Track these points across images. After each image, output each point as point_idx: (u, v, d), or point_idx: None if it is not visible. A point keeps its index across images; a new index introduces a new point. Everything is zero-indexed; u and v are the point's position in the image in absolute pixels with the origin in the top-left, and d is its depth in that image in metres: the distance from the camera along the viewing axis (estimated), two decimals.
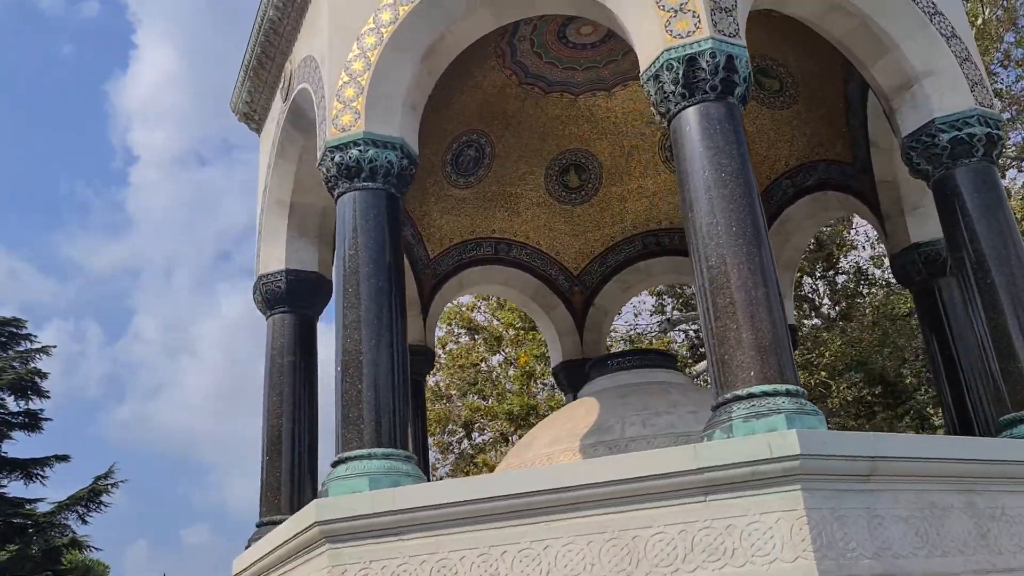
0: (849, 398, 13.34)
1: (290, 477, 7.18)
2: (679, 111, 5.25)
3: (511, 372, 15.44)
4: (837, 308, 14.48)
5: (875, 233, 16.86)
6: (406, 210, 9.78)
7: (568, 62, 9.58)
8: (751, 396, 4.46)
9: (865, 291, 14.85)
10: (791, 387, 4.50)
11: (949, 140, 6.12)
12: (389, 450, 5.17)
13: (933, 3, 6.46)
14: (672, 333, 18.10)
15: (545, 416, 15.67)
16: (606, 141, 10.48)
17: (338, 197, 5.92)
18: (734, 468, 4.23)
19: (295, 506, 7.06)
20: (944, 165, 6.16)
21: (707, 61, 5.15)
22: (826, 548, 4.09)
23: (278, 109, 7.77)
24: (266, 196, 7.90)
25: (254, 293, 7.87)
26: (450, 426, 16.26)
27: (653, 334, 17.90)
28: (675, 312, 17.98)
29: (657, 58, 5.30)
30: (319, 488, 5.19)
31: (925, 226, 8.24)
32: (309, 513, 4.92)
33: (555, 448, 6.49)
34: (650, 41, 5.39)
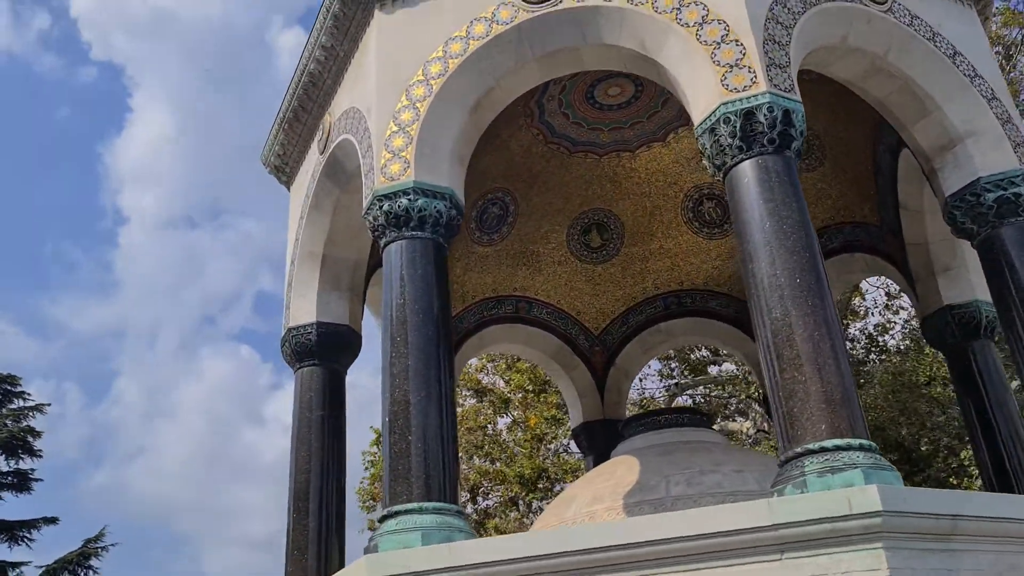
0: None
1: (317, 536, 6.95)
2: (735, 164, 5.25)
3: (519, 435, 15.21)
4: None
5: (883, 300, 16.97)
6: None
7: (594, 123, 9.67)
8: (824, 450, 4.35)
9: (873, 358, 14.82)
10: (864, 442, 4.39)
11: (995, 199, 6.14)
12: (440, 504, 5.00)
13: (973, 66, 6.56)
14: (680, 398, 17.95)
15: (555, 480, 15.41)
16: (628, 201, 10.51)
17: (385, 246, 5.86)
18: (811, 525, 4.09)
19: (323, 567, 6.84)
20: (990, 224, 6.18)
21: (764, 115, 5.17)
22: None
23: (313, 162, 7.76)
24: (297, 248, 7.83)
25: (283, 346, 7.74)
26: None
27: (661, 398, 17.74)
28: (683, 377, 17.87)
29: (713, 111, 5.32)
30: (367, 544, 4.99)
31: (957, 287, 8.24)
32: (359, 570, 4.72)
33: (597, 507, 6.31)
34: (705, 95, 5.42)
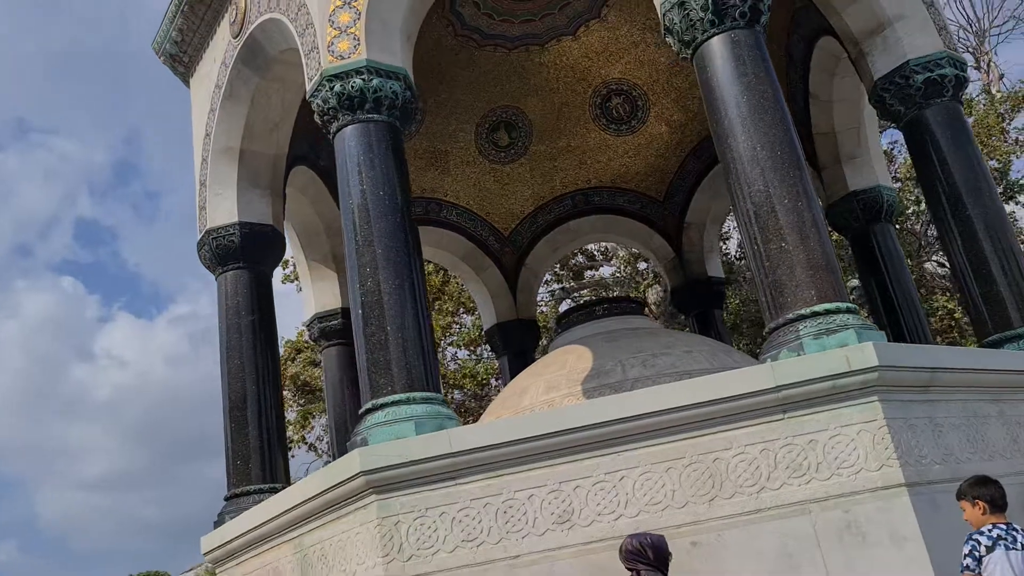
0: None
1: (259, 445, 6.64)
2: (706, 39, 5.20)
3: None
4: (742, 261, 15.05)
5: None
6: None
7: (505, 14, 9.34)
8: (815, 315, 4.48)
9: None
10: (850, 305, 4.56)
11: (923, 81, 6.40)
12: (428, 394, 4.85)
13: None
14: (565, 303, 18.26)
15: (454, 385, 15.43)
16: (536, 98, 10.33)
17: (338, 131, 5.47)
18: (812, 384, 4.24)
19: (268, 474, 6.57)
20: (917, 105, 6.45)
21: None
22: (906, 456, 4.17)
23: (222, 48, 7.11)
24: (210, 144, 7.23)
25: (200, 249, 7.20)
26: None
27: (545, 303, 17.99)
28: (568, 282, 18.16)
29: None
30: (356, 439, 4.78)
31: (861, 174, 8.67)
32: (350, 463, 4.53)
33: (555, 395, 6.33)
34: None
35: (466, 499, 4.42)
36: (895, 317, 8.21)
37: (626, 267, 17.81)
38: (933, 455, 4.32)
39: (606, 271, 19.43)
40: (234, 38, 6.84)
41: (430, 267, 15.58)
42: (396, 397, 4.77)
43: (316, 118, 5.60)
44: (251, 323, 6.92)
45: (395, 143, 5.48)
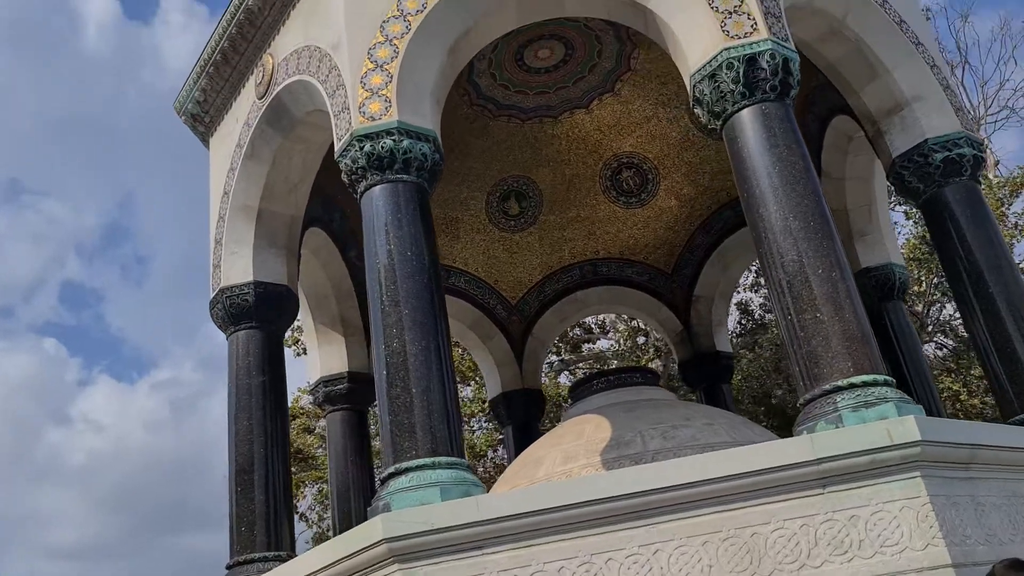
0: None
1: (265, 510, 6.43)
2: (737, 111, 5.25)
3: None
4: (741, 339, 15.04)
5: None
6: (352, 229, 9.28)
7: (521, 85, 9.48)
8: (853, 386, 4.41)
9: (770, 318, 15.51)
10: (888, 377, 4.50)
11: (942, 160, 6.47)
12: (453, 459, 4.71)
13: (915, 34, 6.89)
14: (563, 375, 18.14)
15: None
16: (548, 169, 10.43)
17: (366, 191, 5.46)
18: (853, 457, 4.14)
19: (273, 542, 6.35)
20: (936, 183, 6.51)
21: (767, 61, 5.19)
22: (951, 535, 4.05)
23: (245, 108, 7.15)
24: (228, 202, 7.20)
25: (213, 307, 7.11)
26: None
27: (545, 374, 17.85)
28: (566, 354, 18.07)
29: (715, 57, 5.28)
30: (379, 504, 4.61)
31: (873, 252, 8.70)
32: (372, 529, 4.36)
33: (573, 465, 6.18)
34: (704, 41, 5.38)
35: (493, 570, 4.25)
36: (908, 393, 8.13)
37: (626, 340, 17.75)
38: (976, 535, 4.20)
39: (603, 344, 19.39)
40: (259, 99, 6.88)
41: None
42: (421, 461, 4.63)
43: (344, 177, 5.59)
44: (261, 384, 6.78)
45: (423, 204, 5.46)
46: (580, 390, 7.48)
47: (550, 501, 4.28)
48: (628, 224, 10.72)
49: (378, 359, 5.06)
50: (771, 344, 14.22)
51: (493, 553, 4.28)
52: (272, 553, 6.23)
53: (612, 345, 19.00)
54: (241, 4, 6.83)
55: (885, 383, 4.45)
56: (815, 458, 4.16)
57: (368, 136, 5.41)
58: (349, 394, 8.94)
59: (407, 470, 4.62)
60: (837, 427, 4.29)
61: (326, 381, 8.99)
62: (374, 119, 5.45)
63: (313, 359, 9.20)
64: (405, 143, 5.40)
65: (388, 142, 5.38)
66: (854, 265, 8.76)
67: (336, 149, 5.64)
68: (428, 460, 4.64)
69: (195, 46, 61.79)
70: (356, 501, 8.56)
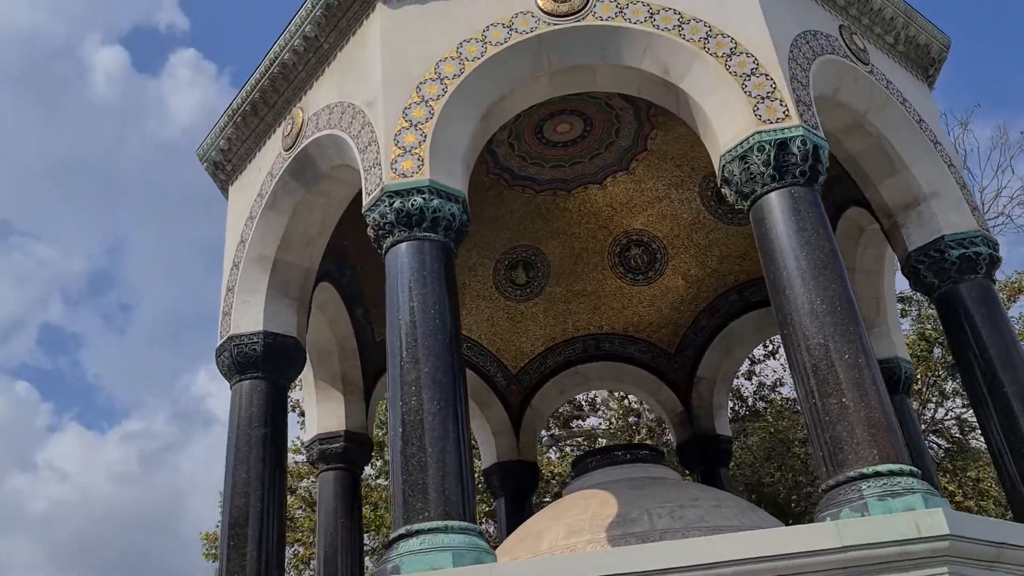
0: None
1: (257, 566, 6.23)
2: (765, 193, 5.31)
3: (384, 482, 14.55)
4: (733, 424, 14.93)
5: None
6: (362, 288, 9.26)
7: (537, 157, 9.60)
8: (879, 475, 4.35)
9: (761, 407, 15.47)
10: (913, 468, 4.44)
11: (958, 256, 6.54)
12: (465, 523, 4.58)
13: (934, 133, 7.05)
14: (552, 450, 17.93)
15: None
16: (557, 241, 10.49)
17: (391, 246, 5.45)
18: (880, 548, 4.05)
19: None
20: (952, 279, 6.56)
21: (798, 147, 5.28)
22: None
23: (270, 159, 7.20)
24: (244, 250, 7.18)
25: (219, 355, 7.01)
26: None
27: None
28: (557, 430, 17.90)
29: (746, 139, 5.37)
30: (387, 566, 4.46)
31: (880, 345, 8.72)
32: None
33: (576, 540, 6.03)
34: (736, 124, 5.47)
35: None
36: None
37: (618, 419, 17.61)
38: None
39: (592, 421, 19.22)
40: (285, 151, 6.92)
41: None
42: (433, 524, 4.50)
43: (369, 231, 5.59)
44: (262, 436, 6.65)
45: (448, 264, 5.46)
46: (584, 464, 7.36)
47: (562, 572, 4.15)
48: (633, 301, 10.74)
49: (394, 416, 4.97)
50: (764, 431, 14.13)
51: None
52: None
53: (601, 423, 18.84)
54: (277, 58, 6.93)
55: (911, 473, 4.39)
56: (841, 545, 4.07)
57: (399, 193, 5.43)
58: (344, 453, 8.78)
59: (418, 532, 4.50)
60: (863, 515, 4.21)
61: (322, 438, 8.83)
62: (405, 176, 5.48)
63: (311, 415, 9.06)
64: (435, 202, 5.42)
65: (418, 200, 5.40)
66: (882, 354, 8.79)
67: (364, 203, 5.66)
68: (440, 524, 4.51)
69: (201, 101, 62.64)
70: (344, 565, 8.33)
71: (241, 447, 6.61)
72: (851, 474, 4.42)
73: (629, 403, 18.01)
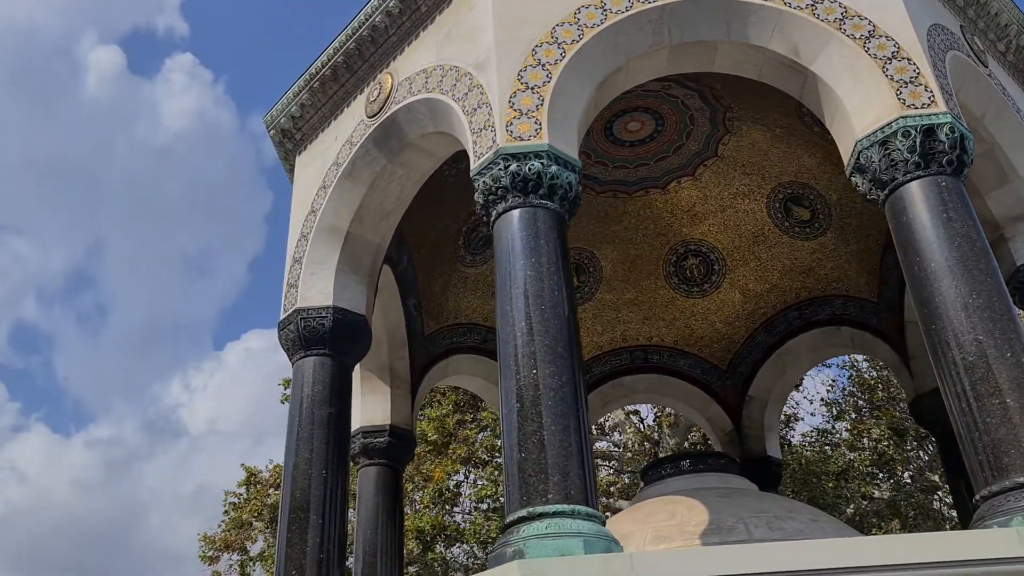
0: None
1: (318, 554, 5.77)
2: (907, 181, 4.98)
3: (419, 490, 14.03)
4: None
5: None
6: (416, 276, 8.87)
7: (603, 156, 9.29)
8: None
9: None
10: None
11: None
12: (591, 510, 4.17)
13: None
14: None
15: (455, 539, 14.29)
16: (612, 246, 10.14)
17: (503, 212, 5.07)
18: None
19: None
20: None
21: (946, 134, 4.97)
22: None
23: (349, 127, 6.83)
24: (313, 220, 6.79)
25: (283, 328, 6.59)
26: None
27: None
28: None
29: (889, 124, 5.05)
30: (507, 550, 4.03)
31: None
32: (508, 575, 3.78)
33: (667, 545, 5.61)
34: (877, 108, 5.16)
35: None
36: None
37: (634, 444, 17.18)
38: None
39: (600, 444, 18.73)
40: (369, 117, 6.56)
41: (444, 407, 14.85)
42: (559, 508, 4.08)
43: (478, 197, 5.22)
44: (327, 417, 6.21)
45: (562, 234, 5.08)
46: (658, 470, 6.95)
47: (711, 568, 3.74)
48: (686, 313, 10.39)
49: (507, 391, 4.57)
50: (795, 463, 13.75)
51: None
52: None
53: (609, 448, 18.37)
54: (367, 20, 6.60)
55: None
56: (1020, 555, 3.68)
57: (515, 156, 5.07)
58: (388, 448, 8.32)
59: (542, 515, 4.07)
60: None
61: (366, 432, 8.38)
62: (522, 139, 5.13)
63: (354, 407, 8.59)
64: (553, 168, 5.06)
65: (536, 165, 5.04)
66: (932, 380, 8.39)
67: (473, 167, 5.29)
68: (567, 507, 4.10)
69: (194, 107, 61.99)
70: (383, 567, 7.84)
71: (304, 427, 6.17)
72: (1019, 479, 4.04)
73: (644, 429, 17.60)
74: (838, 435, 15.60)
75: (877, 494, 14.55)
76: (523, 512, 4.13)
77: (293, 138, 7.50)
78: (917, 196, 4.92)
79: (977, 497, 4.26)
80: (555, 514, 4.07)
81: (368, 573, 7.82)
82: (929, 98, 5.09)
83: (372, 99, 6.59)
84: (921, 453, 14.67)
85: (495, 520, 13.89)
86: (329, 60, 6.94)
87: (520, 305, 4.75)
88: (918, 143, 4.95)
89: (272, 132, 7.59)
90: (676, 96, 8.53)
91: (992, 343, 4.42)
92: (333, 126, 7.10)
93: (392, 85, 6.44)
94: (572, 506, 4.12)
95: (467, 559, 15.02)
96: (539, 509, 4.10)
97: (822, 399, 16.44)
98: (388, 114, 6.37)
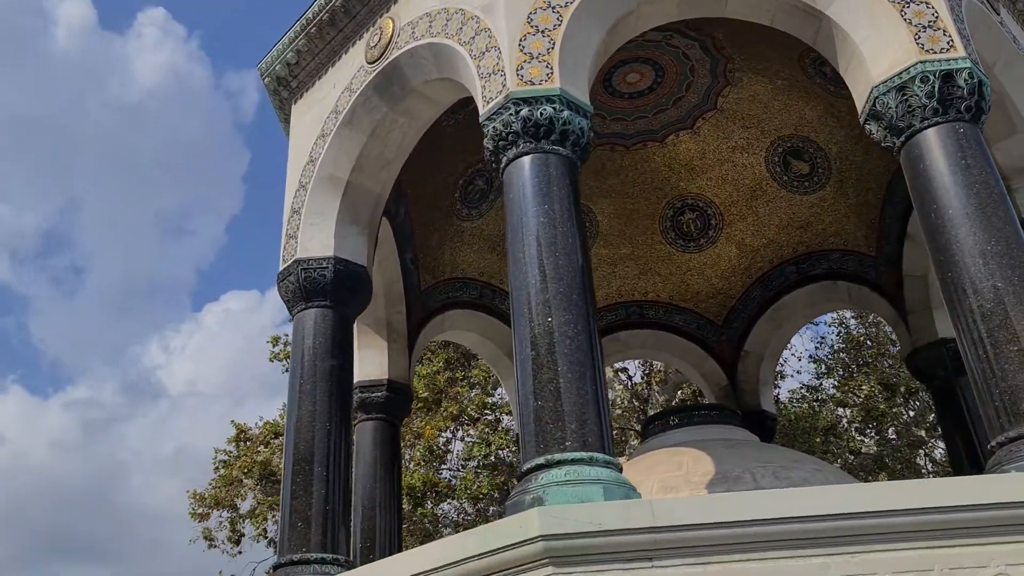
0: None
1: (323, 506, 5.72)
2: (924, 128, 4.91)
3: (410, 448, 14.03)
4: None
5: None
6: (413, 230, 8.75)
7: (601, 108, 9.11)
8: None
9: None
10: None
11: None
12: (608, 457, 4.14)
13: None
14: None
15: (444, 495, 14.34)
16: (608, 200, 10.05)
17: (513, 158, 4.96)
18: None
19: (330, 543, 5.64)
20: None
21: (965, 80, 4.89)
22: None
23: (348, 74, 6.65)
24: (312, 170, 6.64)
25: (283, 279, 6.47)
26: None
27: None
28: None
29: (907, 69, 4.96)
30: (525, 497, 3.99)
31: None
32: (526, 523, 3.74)
33: (673, 496, 5.61)
34: (893, 52, 5.06)
35: None
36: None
37: (623, 401, 17.25)
38: None
39: None
40: (370, 63, 6.39)
41: (435, 365, 14.81)
42: (577, 455, 4.05)
43: (487, 143, 5.10)
44: (329, 369, 6.13)
45: (574, 181, 4.99)
46: (659, 423, 6.94)
47: (739, 514, 3.72)
48: (682, 268, 10.34)
49: (521, 341, 4.51)
50: (784, 419, 13.86)
51: (664, 567, 3.69)
52: (329, 555, 5.52)
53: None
54: None
55: None
56: None
57: (526, 100, 4.95)
58: (386, 403, 8.26)
59: (560, 463, 4.04)
60: None
61: (362, 387, 8.29)
62: (533, 83, 5.00)
63: None
64: (565, 113, 4.95)
65: (548, 109, 4.92)
66: (930, 334, 8.56)
67: (482, 113, 5.16)
68: (585, 455, 4.06)
69: (167, 63, 60.49)
70: (382, 521, 7.83)
71: (307, 380, 6.09)
72: None
73: (634, 385, 17.66)
74: (826, 392, 15.74)
75: (864, 449, 14.73)
76: (540, 460, 4.09)
77: (289, 86, 7.31)
78: (934, 142, 4.85)
79: (993, 443, 4.26)
80: (573, 461, 4.03)
81: (367, 527, 7.79)
82: (948, 43, 5.00)
83: (372, 45, 6.41)
84: (908, 409, 14.84)
85: (485, 476, 13.94)
86: (327, 4, 6.74)
87: (533, 252, 4.67)
88: (936, 88, 4.87)
89: (267, 80, 7.39)
90: (677, 46, 8.38)
91: (1010, 290, 4.39)
92: (331, 73, 6.91)
93: (394, 30, 6.26)
94: (590, 453, 4.08)
95: (457, 515, 15.09)
96: (557, 456, 4.06)
97: (811, 356, 16.57)
98: (389, 60, 6.20)
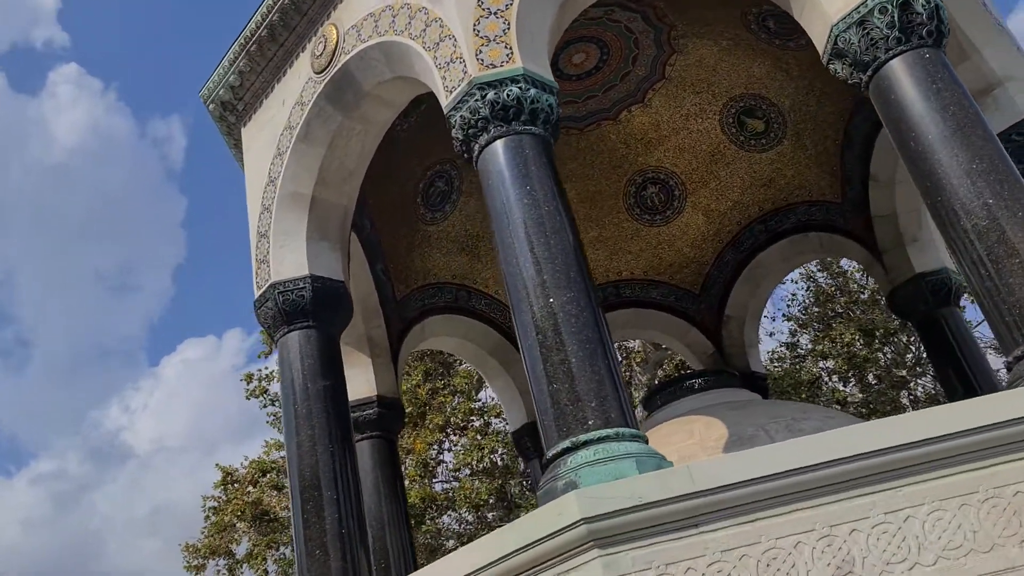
0: None
1: (338, 530, 5.53)
2: (889, 59, 4.88)
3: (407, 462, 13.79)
4: None
5: None
6: (380, 240, 8.57)
7: None
8: None
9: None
10: None
11: None
12: (634, 431, 4.03)
13: (997, 17, 6.77)
14: None
15: (443, 508, 14.13)
16: (569, 185, 9.83)
17: (486, 145, 4.84)
18: None
19: (351, 568, 5.46)
20: None
21: (922, 5, 4.88)
22: None
23: (297, 87, 6.47)
24: (274, 191, 6.44)
25: (260, 305, 6.27)
26: None
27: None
28: None
29: (864, 3, 4.94)
30: (557, 484, 3.86)
31: (926, 256, 8.49)
32: (564, 508, 3.62)
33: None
34: None
35: (715, 549, 3.56)
36: None
37: None
38: None
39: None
40: (317, 73, 6.21)
41: (414, 379, 14.61)
42: (603, 432, 3.93)
43: (456, 133, 4.97)
44: (323, 389, 5.94)
45: (550, 159, 4.89)
46: (665, 393, 6.86)
47: (778, 465, 3.64)
48: (652, 243, 10.30)
49: (523, 328, 4.39)
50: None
51: (712, 531, 3.60)
52: None
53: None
54: None
55: None
56: None
57: (490, 84, 4.83)
58: (379, 419, 8.07)
59: (587, 443, 3.92)
60: None
61: (353, 406, 8.02)
62: (495, 66, 4.89)
63: None
64: (532, 92, 4.85)
65: (514, 90, 4.81)
66: (907, 271, 8.54)
67: (446, 104, 5.03)
68: (610, 431, 3.95)
69: (85, 120, 58.99)
70: (393, 537, 7.64)
71: (301, 404, 5.90)
72: None
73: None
74: (804, 347, 15.86)
75: (849, 398, 14.87)
76: (566, 443, 3.97)
77: (235, 110, 7.09)
78: (902, 71, 4.84)
79: (1010, 358, 4.23)
80: (600, 439, 3.92)
81: (379, 547, 7.60)
82: None
83: (318, 54, 6.24)
84: (887, 351, 15.02)
85: (481, 482, 13.78)
86: (264, 20, 6.54)
87: (521, 235, 4.55)
88: (896, 17, 4.85)
89: (211, 107, 7.16)
90: (619, 20, 8.35)
91: (1003, 205, 4.37)
92: (278, 90, 6.72)
93: (338, 36, 6.09)
94: (615, 429, 3.97)
95: (459, 525, 14.90)
96: (583, 437, 3.95)
97: (784, 315, 16.70)
98: (338, 67, 6.04)
